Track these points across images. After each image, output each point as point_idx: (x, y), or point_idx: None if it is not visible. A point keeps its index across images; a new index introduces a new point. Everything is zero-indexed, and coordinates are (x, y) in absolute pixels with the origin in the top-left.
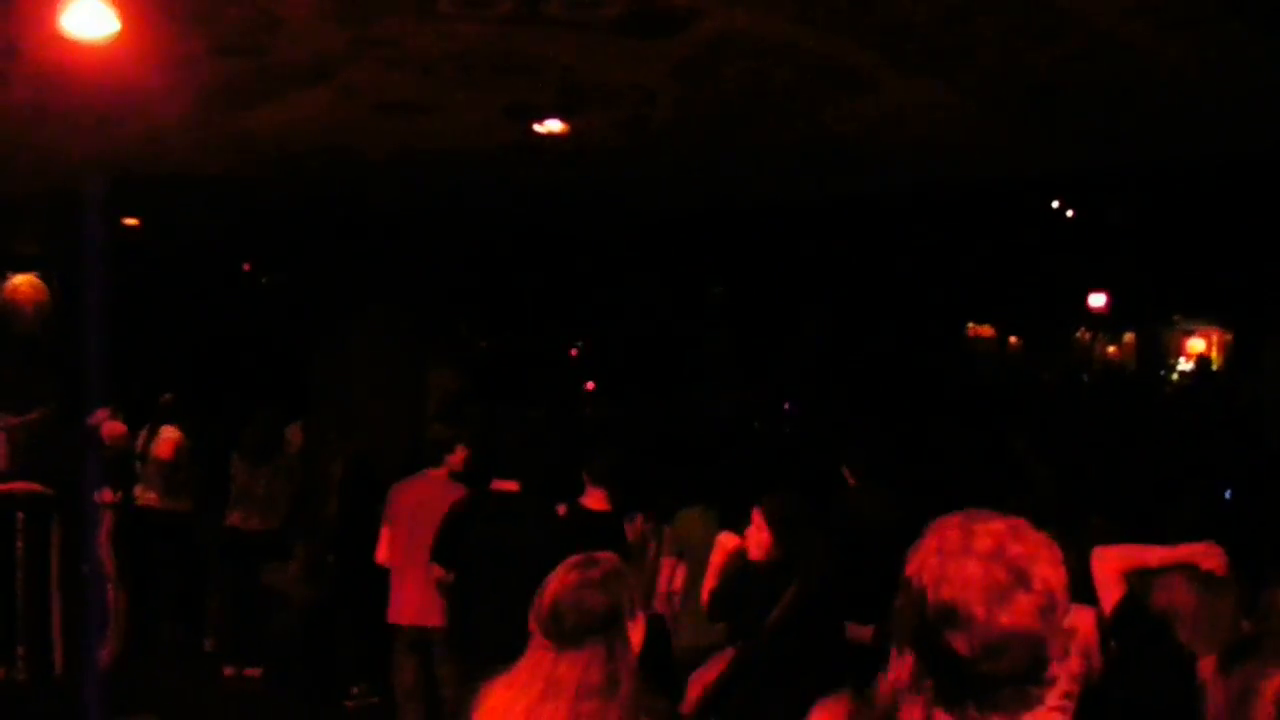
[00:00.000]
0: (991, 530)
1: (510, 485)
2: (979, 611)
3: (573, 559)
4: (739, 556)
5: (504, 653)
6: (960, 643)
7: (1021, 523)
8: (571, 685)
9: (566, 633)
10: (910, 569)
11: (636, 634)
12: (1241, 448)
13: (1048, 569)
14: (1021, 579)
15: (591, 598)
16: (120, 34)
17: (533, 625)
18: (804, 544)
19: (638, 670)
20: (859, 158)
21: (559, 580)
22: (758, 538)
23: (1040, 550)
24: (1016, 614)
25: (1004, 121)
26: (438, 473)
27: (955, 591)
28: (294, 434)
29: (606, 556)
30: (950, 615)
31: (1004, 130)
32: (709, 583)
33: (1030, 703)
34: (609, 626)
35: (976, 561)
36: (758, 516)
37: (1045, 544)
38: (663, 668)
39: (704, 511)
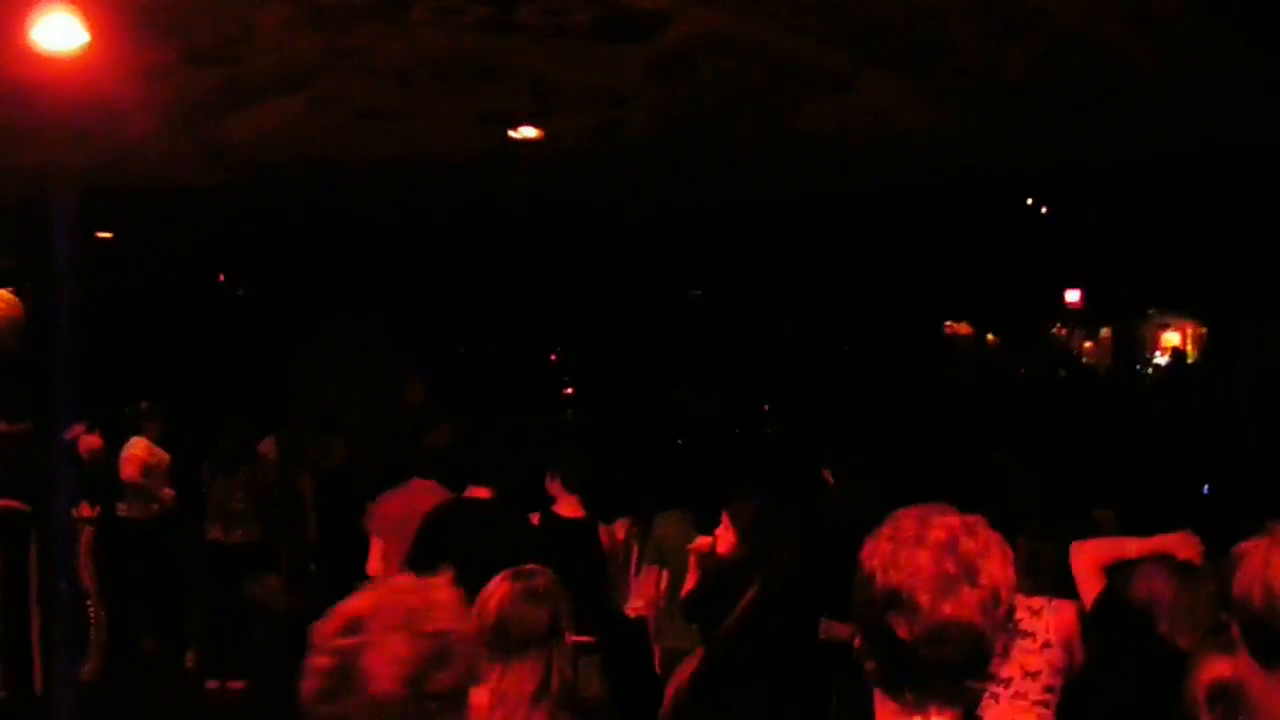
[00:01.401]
0: (947, 524)
1: (482, 492)
2: (923, 599)
3: (509, 571)
4: (711, 557)
5: None
6: (902, 627)
7: (978, 520)
8: (515, 697)
9: (512, 646)
10: (864, 553)
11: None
12: (1218, 439)
13: (996, 567)
14: (969, 573)
15: (535, 611)
16: (90, 46)
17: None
18: (766, 545)
19: (570, 678)
20: (833, 158)
21: (500, 593)
22: (724, 538)
23: (992, 548)
24: (959, 606)
25: (977, 121)
26: (425, 483)
27: (903, 577)
28: (266, 446)
29: (541, 569)
30: (895, 599)
31: (977, 130)
32: (688, 585)
33: (967, 694)
34: (550, 639)
35: (927, 551)
36: (725, 518)
37: (998, 543)
38: (644, 672)
39: (683, 515)
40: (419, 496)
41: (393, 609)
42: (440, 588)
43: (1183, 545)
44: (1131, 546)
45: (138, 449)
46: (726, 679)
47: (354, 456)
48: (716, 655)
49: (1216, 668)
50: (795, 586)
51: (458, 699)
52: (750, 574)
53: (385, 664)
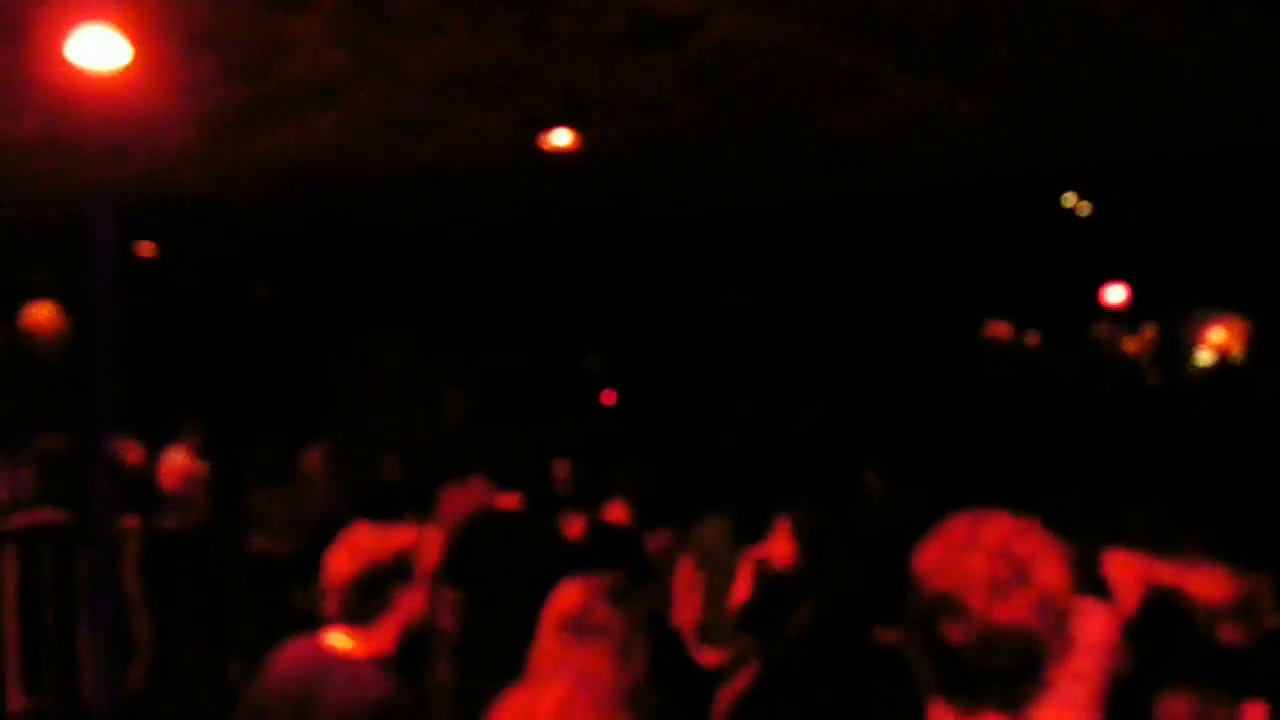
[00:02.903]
0: (999, 527)
1: (511, 500)
2: (976, 603)
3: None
4: (766, 567)
5: (507, 671)
6: (955, 632)
7: (1031, 523)
8: (592, 690)
9: (592, 629)
10: (917, 559)
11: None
12: (1263, 442)
13: (1050, 569)
14: (1022, 576)
15: (612, 610)
16: (132, 61)
17: (553, 626)
18: (831, 556)
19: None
20: (869, 159)
21: (584, 586)
22: (782, 548)
23: (1045, 550)
24: (1013, 610)
25: (1015, 117)
26: (485, 480)
27: (954, 582)
28: (312, 459)
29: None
30: (948, 604)
31: (1015, 126)
32: (738, 594)
33: (1022, 700)
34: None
35: (980, 555)
36: (784, 528)
37: (1051, 545)
38: (684, 680)
39: (721, 521)
40: (481, 494)
41: None
42: None
43: (1215, 584)
44: (1165, 572)
45: (179, 458)
46: (786, 691)
47: (394, 465)
48: (775, 667)
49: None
50: (853, 597)
51: None
52: (809, 585)
53: None
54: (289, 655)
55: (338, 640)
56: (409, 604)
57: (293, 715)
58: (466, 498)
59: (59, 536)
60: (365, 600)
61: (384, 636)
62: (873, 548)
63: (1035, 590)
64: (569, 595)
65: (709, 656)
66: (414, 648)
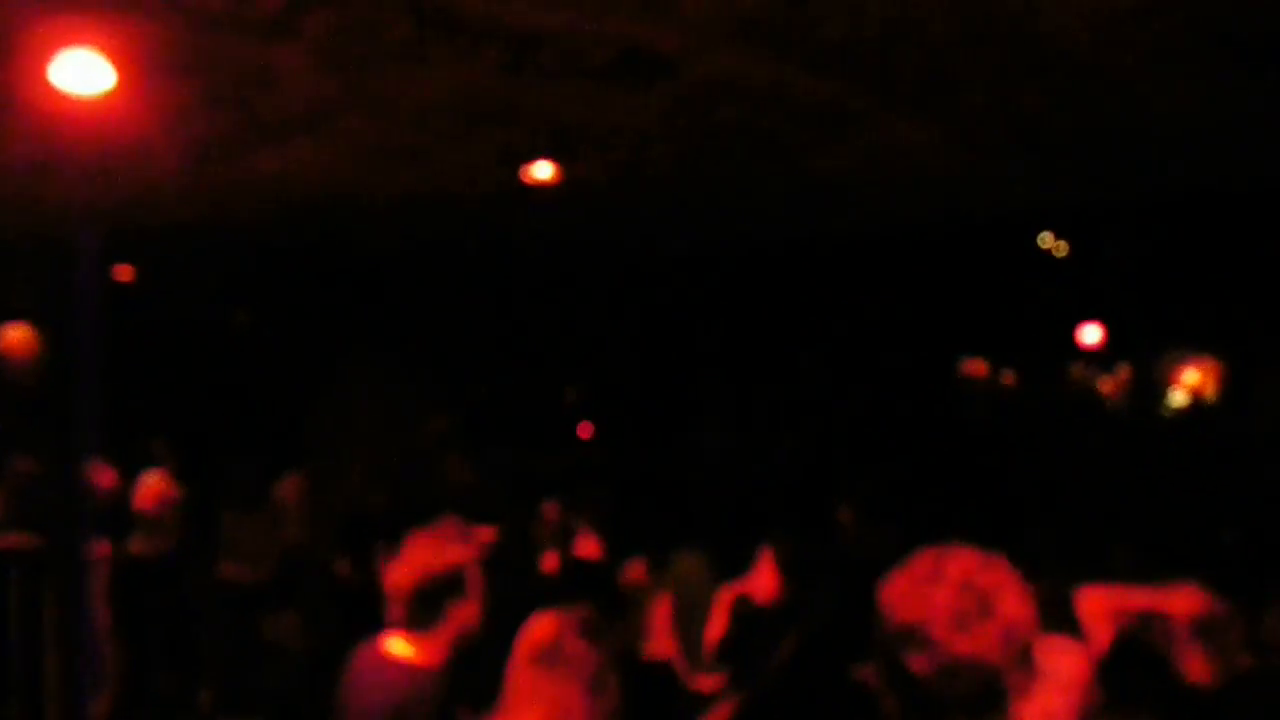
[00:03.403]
0: (963, 561)
1: (487, 534)
2: (939, 635)
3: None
4: (743, 602)
5: (480, 702)
6: (918, 663)
7: (997, 558)
8: (568, 710)
9: (564, 661)
10: (883, 592)
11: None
12: (1235, 480)
13: (1013, 602)
14: (985, 608)
15: (584, 643)
16: (115, 86)
17: (525, 658)
18: (814, 589)
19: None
20: (851, 197)
21: (555, 621)
22: (765, 582)
23: (1009, 585)
24: (975, 641)
25: (995, 157)
26: (452, 520)
27: (918, 613)
28: (288, 486)
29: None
30: (911, 636)
31: (995, 166)
32: (714, 629)
33: None
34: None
35: (944, 587)
36: (767, 560)
37: (1015, 580)
38: (669, 713)
39: (697, 554)
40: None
41: None
42: None
43: (1187, 599)
44: (1138, 599)
45: (154, 481)
46: None
47: (371, 494)
48: (756, 702)
49: None
50: (831, 631)
51: None
52: (790, 619)
53: None
54: (359, 663)
55: (397, 646)
56: (461, 615)
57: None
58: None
59: (27, 561)
60: (422, 610)
61: (437, 646)
62: (845, 583)
63: (999, 622)
64: (541, 627)
65: (705, 682)
66: (466, 657)
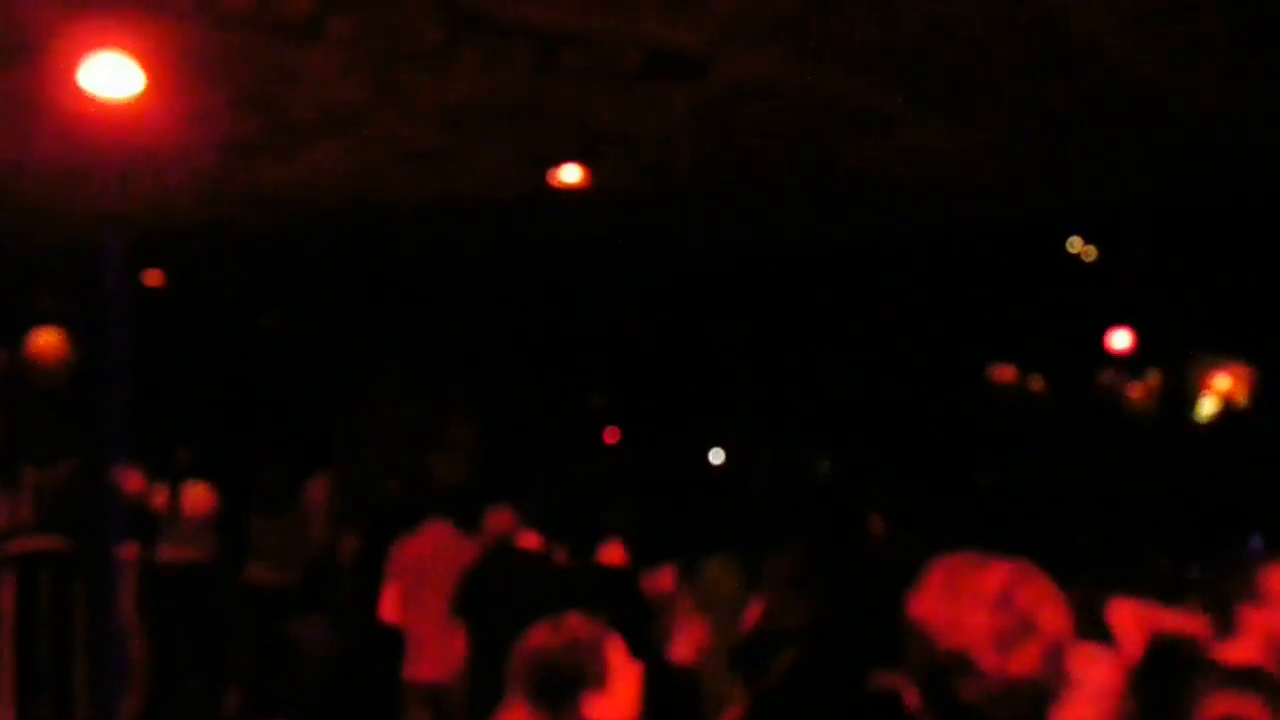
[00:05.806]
0: (998, 575)
1: (532, 539)
2: (987, 661)
3: (548, 619)
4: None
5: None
6: (966, 690)
7: (1027, 565)
8: None
9: (549, 691)
10: (916, 611)
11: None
12: (1268, 489)
13: (1053, 615)
14: (1027, 626)
15: (569, 657)
16: (143, 90)
17: (515, 682)
18: (805, 598)
19: None
20: (879, 199)
21: (539, 639)
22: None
23: (1046, 596)
24: (1023, 662)
25: (1023, 159)
26: (441, 524)
27: (963, 639)
28: (314, 488)
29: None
30: (957, 662)
31: (1023, 168)
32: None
33: None
34: (585, 687)
35: (984, 609)
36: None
37: (1051, 589)
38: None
39: (726, 562)
40: (439, 540)
41: None
42: None
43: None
44: (1169, 620)
45: (199, 491)
46: None
47: (396, 499)
48: (759, 708)
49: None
50: (843, 638)
51: None
52: (794, 627)
53: None
54: None
55: None
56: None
57: None
58: (420, 544)
59: (57, 563)
60: None
61: None
62: (874, 591)
63: (1041, 639)
64: (540, 635)
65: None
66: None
